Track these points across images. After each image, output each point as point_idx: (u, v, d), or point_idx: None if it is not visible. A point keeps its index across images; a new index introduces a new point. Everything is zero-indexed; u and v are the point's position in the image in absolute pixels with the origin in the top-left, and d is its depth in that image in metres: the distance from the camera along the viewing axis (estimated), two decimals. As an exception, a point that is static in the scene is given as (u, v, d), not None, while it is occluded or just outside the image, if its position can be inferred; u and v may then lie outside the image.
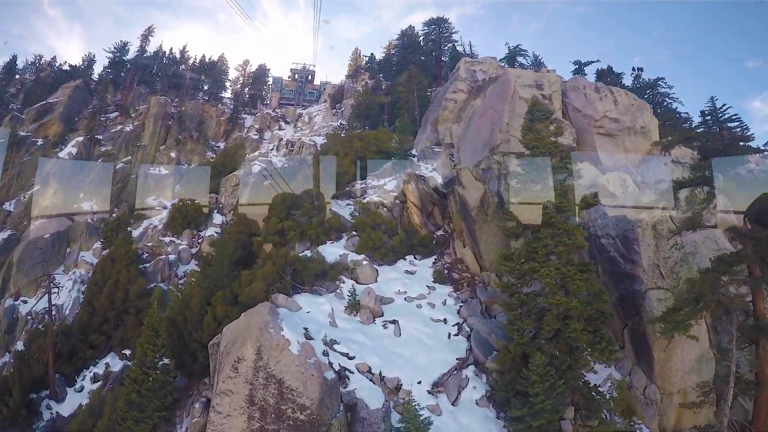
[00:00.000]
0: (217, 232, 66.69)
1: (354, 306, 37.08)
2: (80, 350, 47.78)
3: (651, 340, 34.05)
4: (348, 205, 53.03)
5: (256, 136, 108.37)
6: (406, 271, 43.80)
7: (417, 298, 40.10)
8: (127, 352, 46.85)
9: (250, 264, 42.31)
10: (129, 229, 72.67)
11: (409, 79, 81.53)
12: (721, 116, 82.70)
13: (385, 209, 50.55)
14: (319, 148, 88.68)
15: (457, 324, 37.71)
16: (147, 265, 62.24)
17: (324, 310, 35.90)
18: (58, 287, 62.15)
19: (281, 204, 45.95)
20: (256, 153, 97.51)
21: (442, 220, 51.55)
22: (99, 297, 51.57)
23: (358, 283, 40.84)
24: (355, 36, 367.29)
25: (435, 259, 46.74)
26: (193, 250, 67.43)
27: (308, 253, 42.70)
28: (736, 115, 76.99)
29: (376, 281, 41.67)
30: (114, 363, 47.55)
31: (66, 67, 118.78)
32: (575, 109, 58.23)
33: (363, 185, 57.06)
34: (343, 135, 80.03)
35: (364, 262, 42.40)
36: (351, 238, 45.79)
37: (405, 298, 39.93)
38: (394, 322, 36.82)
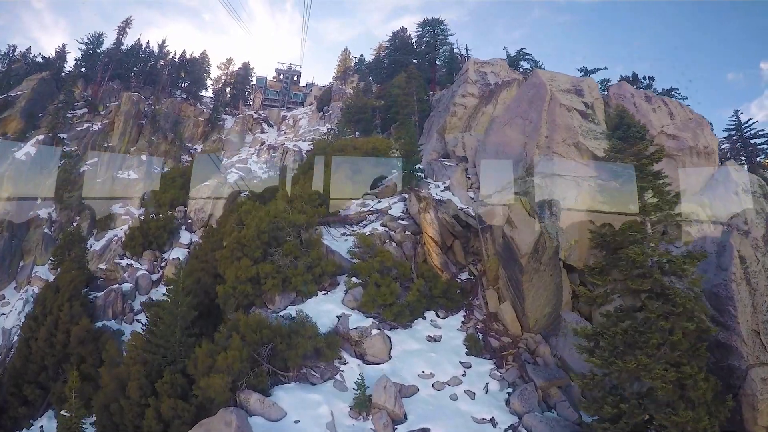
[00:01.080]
0: (180, 259, 52.39)
1: (363, 404, 23.46)
2: (11, 406, 37.67)
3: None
4: (344, 235, 38.87)
5: (237, 139, 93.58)
6: (429, 338, 30.31)
7: (449, 383, 27.14)
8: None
9: (213, 322, 28.67)
10: (86, 244, 57.86)
11: (408, 81, 67.30)
12: (747, 131, 68.34)
13: (394, 244, 36.46)
14: (304, 156, 74.66)
15: (511, 427, 24.59)
16: (98, 295, 47.46)
17: (320, 415, 22.76)
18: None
19: (255, 239, 31.49)
20: (235, 158, 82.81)
21: (464, 257, 37.69)
22: (37, 337, 39.60)
23: (365, 361, 27.12)
24: (340, 39, 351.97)
25: (464, 316, 33.01)
26: (155, 276, 52.91)
27: (292, 312, 28.40)
28: (762, 130, 58.01)
29: (390, 357, 27.84)
30: (50, 427, 35.75)
31: (40, 59, 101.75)
32: (623, 119, 44.84)
33: (361, 207, 42.78)
34: (332, 141, 65.80)
35: (374, 331, 28.13)
36: (352, 289, 31.49)
37: (433, 385, 26.86)
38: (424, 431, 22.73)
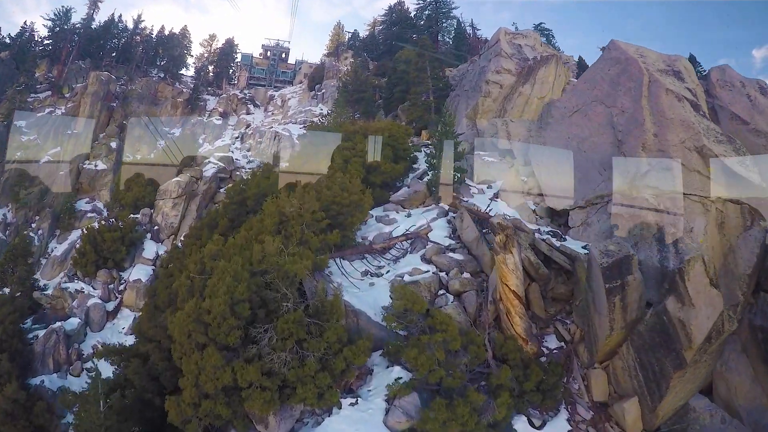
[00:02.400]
0: (143, 281, 37.87)
1: None
2: None
3: None
4: (367, 275, 24.00)
5: (219, 121, 78.00)
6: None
7: None
8: None
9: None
10: (32, 261, 43.46)
11: (420, 54, 51.84)
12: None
13: (450, 297, 21.89)
14: (296, 141, 59.36)
15: None
16: (38, 336, 34.57)
17: None
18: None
19: (228, 314, 16.51)
20: (216, 143, 67.31)
21: (543, 307, 23.35)
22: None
23: None
24: (327, 18, 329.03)
25: (567, 419, 18.97)
26: (111, 305, 38.12)
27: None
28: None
29: None
30: None
31: (7, 40, 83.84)
32: (734, 116, 31.23)
33: (386, 226, 28.03)
34: (328, 125, 50.98)
35: None
36: (399, 397, 16.82)
37: None
38: None
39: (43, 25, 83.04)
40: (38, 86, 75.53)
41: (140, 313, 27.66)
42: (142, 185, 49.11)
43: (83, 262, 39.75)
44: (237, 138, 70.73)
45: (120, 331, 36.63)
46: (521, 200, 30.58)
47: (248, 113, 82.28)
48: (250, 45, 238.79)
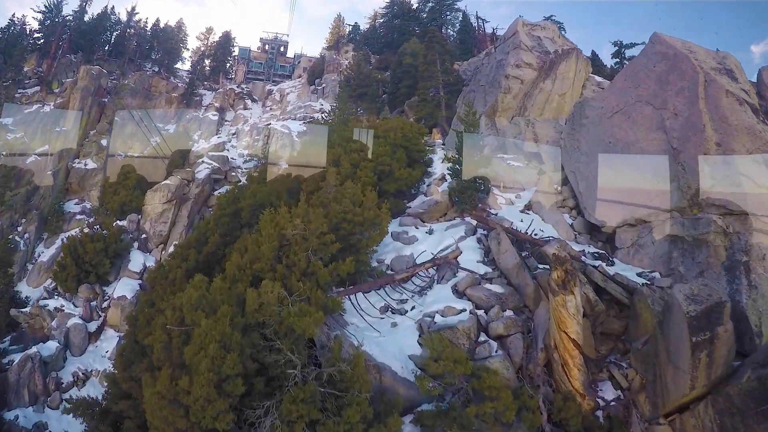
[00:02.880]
0: (128, 298, 33.38)
1: None
2: None
3: None
4: (388, 313, 19.34)
5: (216, 117, 72.92)
6: None
7: None
8: None
9: None
10: (12, 277, 39.03)
11: (429, 46, 46.97)
12: None
13: (492, 343, 17.36)
14: (296, 139, 54.64)
15: None
16: (14, 359, 30.19)
17: None
18: None
19: (208, 380, 11.93)
20: (212, 141, 62.42)
21: (594, 348, 18.94)
22: None
23: None
24: (325, 13, 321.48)
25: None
26: (94, 325, 33.62)
27: None
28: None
29: None
30: None
31: None
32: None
33: (405, 250, 23.31)
34: (331, 123, 46.48)
35: None
36: None
37: None
38: None
39: (33, 17, 77.41)
40: (27, 81, 70.53)
41: (123, 340, 23.31)
42: (129, 188, 44.24)
43: (63, 276, 35.11)
44: (233, 134, 65.99)
45: (103, 355, 32.13)
46: (557, 214, 26.04)
47: (246, 108, 77.55)
48: (248, 39, 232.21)
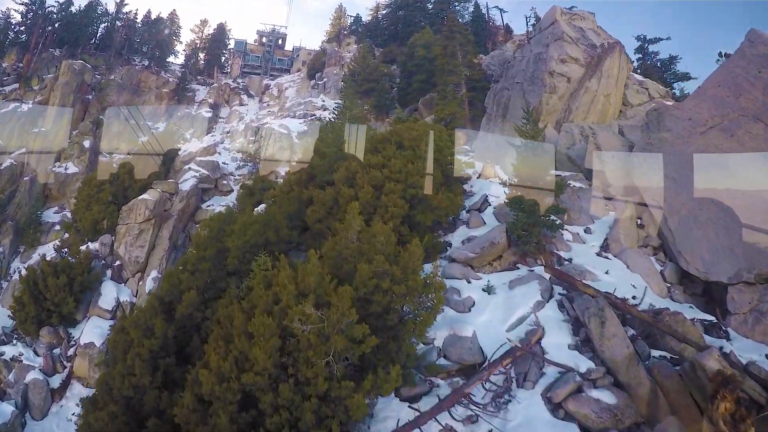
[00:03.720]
0: (96, 345, 26.18)
1: None
2: None
3: None
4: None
5: (209, 113, 65.10)
6: None
7: None
8: None
9: None
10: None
11: (449, 36, 39.24)
12: None
13: None
14: (295, 141, 47.21)
15: None
16: None
17: None
18: None
19: None
20: (204, 142, 54.89)
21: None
22: None
23: None
24: (323, 7, 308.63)
25: None
26: (57, 380, 26.20)
27: None
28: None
29: None
30: None
31: None
32: None
33: (458, 327, 15.71)
34: (337, 122, 38.88)
35: None
36: None
37: None
38: None
39: (16, 10, 68.95)
40: (5, 78, 62.91)
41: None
42: (104, 202, 36.43)
43: (22, 316, 27.75)
44: (227, 133, 58.39)
45: (69, 419, 24.84)
46: (644, 259, 18.75)
47: (241, 104, 70.07)
48: (245, 32, 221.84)
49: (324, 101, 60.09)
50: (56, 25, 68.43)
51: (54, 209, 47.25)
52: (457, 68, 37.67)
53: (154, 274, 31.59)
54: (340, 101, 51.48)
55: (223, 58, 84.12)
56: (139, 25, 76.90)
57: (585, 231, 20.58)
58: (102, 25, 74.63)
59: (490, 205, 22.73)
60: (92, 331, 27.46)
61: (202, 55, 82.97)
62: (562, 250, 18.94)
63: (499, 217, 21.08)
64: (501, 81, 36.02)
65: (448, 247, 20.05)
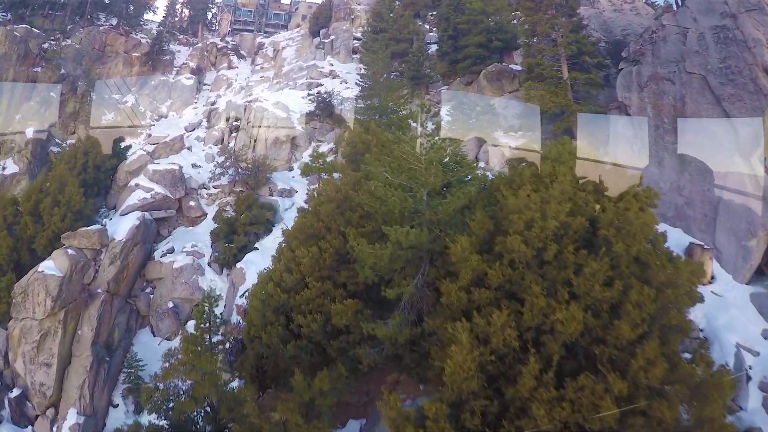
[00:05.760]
0: None
1: None
2: None
3: None
4: None
5: (191, 80, 48.39)
6: None
7: None
8: None
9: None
10: None
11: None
12: None
13: None
14: (299, 127, 30.87)
15: None
16: None
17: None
18: None
19: None
20: (182, 115, 39.08)
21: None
22: None
23: None
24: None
25: None
26: None
27: None
28: None
29: None
30: None
31: None
32: None
33: None
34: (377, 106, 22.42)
35: None
36: None
37: None
38: None
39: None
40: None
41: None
42: (9, 245, 20.19)
43: None
44: (212, 105, 41.85)
45: None
46: None
47: (230, 67, 53.80)
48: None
49: (332, 65, 43.22)
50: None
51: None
52: (560, 29, 20.58)
53: (72, 417, 15.95)
54: (355, 66, 34.54)
55: (210, 13, 66.53)
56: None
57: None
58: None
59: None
60: None
61: (187, 11, 64.33)
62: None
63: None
64: (646, 59, 19.04)
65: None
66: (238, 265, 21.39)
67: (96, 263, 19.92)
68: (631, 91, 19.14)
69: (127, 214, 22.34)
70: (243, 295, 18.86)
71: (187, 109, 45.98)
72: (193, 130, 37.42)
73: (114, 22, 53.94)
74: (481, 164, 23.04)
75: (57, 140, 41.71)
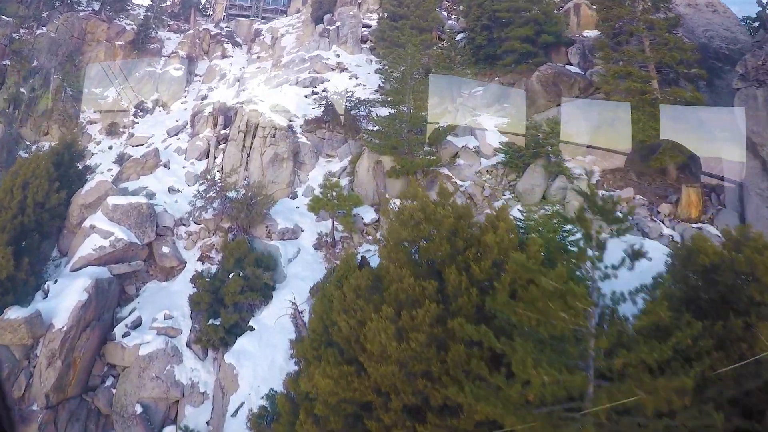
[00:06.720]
0: None
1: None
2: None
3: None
4: None
5: (180, 71, 42.04)
6: None
7: None
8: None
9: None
10: None
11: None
12: None
13: None
14: (305, 139, 24.29)
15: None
16: None
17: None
18: None
19: None
20: (170, 111, 33.08)
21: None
22: None
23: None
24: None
25: None
26: None
27: None
28: None
29: None
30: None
31: None
32: None
33: None
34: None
35: None
36: None
37: None
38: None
39: None
40: None
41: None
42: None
43: None
44: (187, 122, 35.22)
45: None
46: None
47: (224, 56, 46.15)
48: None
49: (339, 57, 36.63)
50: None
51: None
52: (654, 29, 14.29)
53: None
54: (365, 58, 28.48)
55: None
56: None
57: None
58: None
59: None
60: None
61: (174, -4, 57.68)
62: None
63: None
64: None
65: None
66: (228, 358, 15.06)
67: (30, 363, 13.58)
68: (763, 125, 12.89)
69: (78, 269, 16.13)
70: (237, 411, 13.19)
71: (175, 103, 39.85)
72: (175, 134, 30.98)
73: (96, 7, 47.07)
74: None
75: (27, 143, 35.58)
